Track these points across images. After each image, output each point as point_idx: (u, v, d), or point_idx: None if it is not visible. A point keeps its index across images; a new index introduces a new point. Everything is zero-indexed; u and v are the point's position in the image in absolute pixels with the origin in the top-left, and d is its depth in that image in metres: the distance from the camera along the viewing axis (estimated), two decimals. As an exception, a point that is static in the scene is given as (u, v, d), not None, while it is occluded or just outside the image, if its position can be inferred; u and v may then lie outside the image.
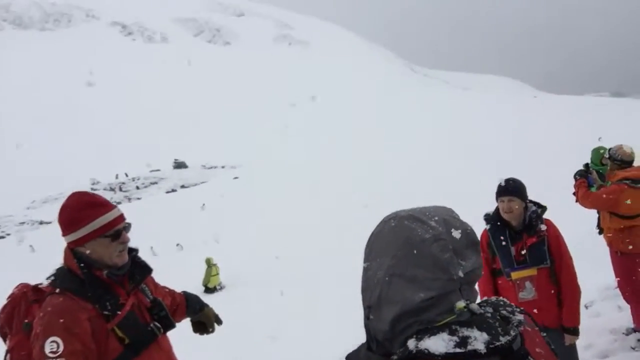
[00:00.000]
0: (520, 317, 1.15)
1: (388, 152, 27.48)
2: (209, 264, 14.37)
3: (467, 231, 1.18)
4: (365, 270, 1.20)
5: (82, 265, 2.03)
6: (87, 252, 2.05)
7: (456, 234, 1.14)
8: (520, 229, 3.50)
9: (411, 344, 1.07)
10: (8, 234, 24.70)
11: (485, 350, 1.03)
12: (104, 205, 2.11)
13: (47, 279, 2.05)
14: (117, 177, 32.67)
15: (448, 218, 1.17)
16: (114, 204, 2.23)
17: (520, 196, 3.48)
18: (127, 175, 32.85)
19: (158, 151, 37.07)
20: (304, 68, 68.63)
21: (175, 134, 42.40)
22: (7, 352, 2.07)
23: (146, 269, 2.23)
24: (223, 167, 33.05)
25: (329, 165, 26.26)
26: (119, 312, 2.02)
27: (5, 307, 2.10)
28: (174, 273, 13.22)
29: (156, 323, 2.14)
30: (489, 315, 1.11)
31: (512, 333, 1.08)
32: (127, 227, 2.15)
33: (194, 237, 18.38)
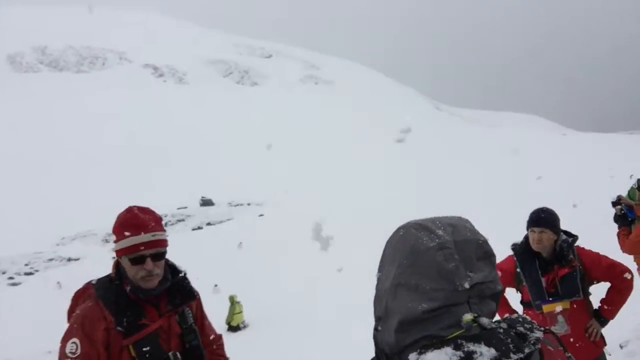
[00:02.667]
0: (539, 334, 1.07)
1: (418, 198, 27.29)
2: (233, 301, 14.29)
3: (480, 242, 1.13)
4: (378, 280, 1.17)
5: (117, 275, 2.09)
6: (123, 264, 2.10)
7: (466, 243, 1.10)
8: (550, 259, 3.39)
9: (412, 357, 1.02)
10: (37, 270, 25.06)
11: None
12: (139, 227, 2.12)
13: (92, 282, 2.14)
14: (145, 214, 33.09)
15: (459, 226, 1.13)
16: (160, 230, 2.22)
17: (552, 227, 3.36)
18: (154, 212, 33.27)
19: (186, 189, 37.54)
20: (329, 107, 69.38)
21: (203, 172, 42.96)
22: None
23: (189, 295, 2.22)
24: (249, 204, 33.23)
25: (353, 208, 26.19)
26: (138, 332, 2.01)
27: (72, 298, 2.18)
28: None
29: (177, 354, 2.09)
30: (502, 330, 1.05)
31: (527, 350, 1.02)
32: (159, 254, 2.13)
33: (219, 274, 18.35)
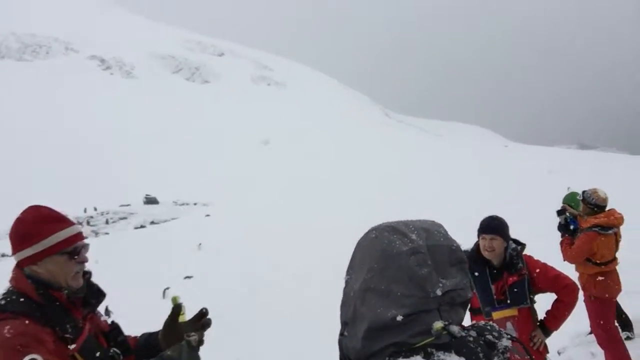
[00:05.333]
0: (507, 343, 1.03)
1: (357, 199, 27.56)
2: (175, 302, 13.96)
3: (453, 247, 1.07)
4: (346, 283, 1.10)
5: (37, 286, 1.86)
6: (40, 271, 1.88)
7: (439, 249, 1.04)
8: (500, 266, 3.42)
9: None
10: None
11: None
12: (63, 220, 1.96)
13: None
14: (85, 210, 31.93)
15: (432, 231, 1.07)
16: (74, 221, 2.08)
17: (502, 235, 3.41)
18: (96, 209, 32.15)
19: (129, 186, 36.50)
20: (280, 108, 69.22)
21: (148, 170, 41.91)
22: None
23: (100, 293, 2.09)
24: (195, 204, 32.62)
25: (297, 209, 26.19)
26: (78, 337, 1.87)
27: None
28: (141, 311, 12.80)
29: (115, 349, 2.00)
30: (471, 339, 1.00)
31: (495, 359, 0.98)
32: (86, 247, 2.01)
33: (163, 274, 17.93)
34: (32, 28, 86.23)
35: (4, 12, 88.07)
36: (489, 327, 1.07)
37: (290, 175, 37.27)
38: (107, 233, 26.86)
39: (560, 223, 5.20)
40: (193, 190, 35.70)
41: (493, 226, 3.41)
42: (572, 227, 5.12)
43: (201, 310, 2.15)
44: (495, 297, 3.39)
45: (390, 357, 0.98)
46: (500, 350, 1.01)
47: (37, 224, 1.92)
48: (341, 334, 1.08)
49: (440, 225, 1.12)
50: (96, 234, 27.23)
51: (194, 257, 20.35)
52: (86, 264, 2.07)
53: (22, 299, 1.84)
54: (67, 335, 1.83)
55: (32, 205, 2.04)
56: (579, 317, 5.36)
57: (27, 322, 1.77)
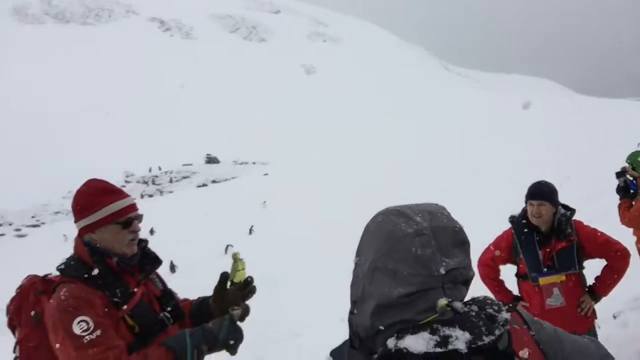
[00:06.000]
0: (507, 315, 1.11)
1: (414, 151, 27.23)
2: (235, 258, 14.45)
3: (455, 229, 1.15)
4: (355, 265, 1.19)
5: (92, 252, 2.03)
6: (97, 239, 2.04)
7: (442, 230, 1.12)
8: (548, 232, 3.40)
9: (391, 342, 1.05)
10: (43, 223, 25.42)
11: (466, 350, 1.01)
12: (118, 193, 2.12)
13: (57, 269, 2.06)
14: (150, 170, 33.24)
15: (436, 213, 1.15)
16: (128, 194, 2.24)
17: (550, 200, 3.37)
18: (160, 168, 33.39)
19: (191, 146, 37.57)
20: (335, 64, 68.48)
21: (209, 130, 42.88)
22: (17, 343, 2.09)
23: (156, 260, 2.23)
24: (254, 163, 33.29)
25: (357, 164, 26.18)
26: (129, 301, 2.02)
27: (13, 299, 2.13)
28: (204, 267, 13.41)
29: (166, 313, 2.14)
30: (473, 314, 1.08)
31: (497, 332, 1.05)
32: (139, 217, 2.15)
33: (226, 230, 18.46)
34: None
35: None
36: (489, 302, 1.14)
37: (347, 133, 37.20)
38: (171, 191, 27.96)
39: (619, 185, 5.02)
40: (252, 149, 36.34)
41: (541, 192, 3.37)
42: (631, 190, 4.94)
43: (247, 278, 2.27)
44: (542, 263, 3.39)
45: (400, 334, 1.07)
46: (501, 323, 1.08)
47: (94, 196, 2.08)
48: (351, 312, 1.18)
49: (443, 208, 1.19)
50: (161, 192, 28.42)
51: (257, 215, 20.76)
52: (140, 233, 2.21)
53: (79, 265, 2.03)
54: (116, 299, 1.99)
55: (91, 178, 2.21)
56: (635, 281, 5.26)
57: (81, 286, 1.96)
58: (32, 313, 2.07)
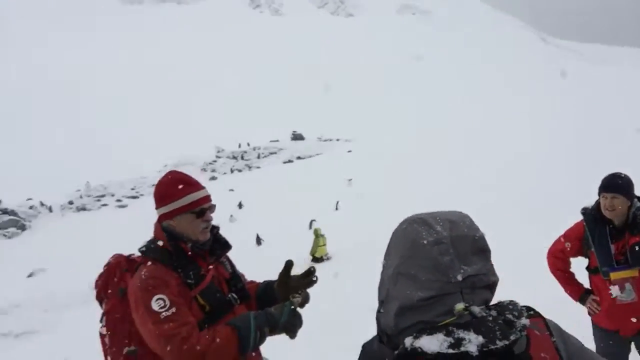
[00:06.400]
0: (525, 321, 1.16)
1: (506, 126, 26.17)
2: (317, 234, 14.80)
3: (475, 237, 1.22)
4: (383, 267, 1.31)
5: (170, 237, 2.28)
6: (175, 225, 2.29)
7: (462, 239, 1.20)
8: (622, 227, 3.28)
9: (408, 341, 1.16)
10: (142, 195, 27.16)
11: (477, 353, 1.08)
12: (194, 185, 2.35)
13: (139, 250, 2.33)
14: (239, 146, 34.44)
15: (457, 222, 1.23)
16: (203, 185, 2.46)
17: (625, 194, 3.22)
18: (249, 144, 34.50)
19: (278, 123, 38.42)
20: (424, 38, 66.83)
21: (296, 107, 43.57)
22: (103, 314, 2.40)
23: (226, 245, 2.44)
24: (338, 140, 33.54)
25: (445, 140, 25.65)
26: (201, 282, 2.25)
27: (102, 274, 2.43)
28: (288, 240, 13.87)
29: (233, 294, 2.35)
30: (491, 318, 1.15)
31: (512, 337, 1.12)
32: (212, 207, 2.36)
33: (310, 206, 18.85)
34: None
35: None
36: (510, 307, 1.20)
37: (432, 112, 36.44)
38: (258, 167, 28.85)
39: None
40: (335, 126, 36.58)
41: (614, 184, 3.20)
42: None
43: (309, 268, 2.41)
44: (614, 257, 3.27)
45: (417, 334, 1.18)
46: (519, 328, 1.15)
47: (174, 186, 2.32)
48: (378, 311, 1.30)
49: (466, 216, 1.27)
50: (249, 167, 29.41)
51: (343, 191, 20.93)
52: (212, 221, 2.42)
53: (158, 248, 2.28)
54: (189, 281, 2.23)
55: (172, 170, 2.46)
56: None
57: (159, 267, 2.21)
58: (119, 289, 2.36)
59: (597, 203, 3.37)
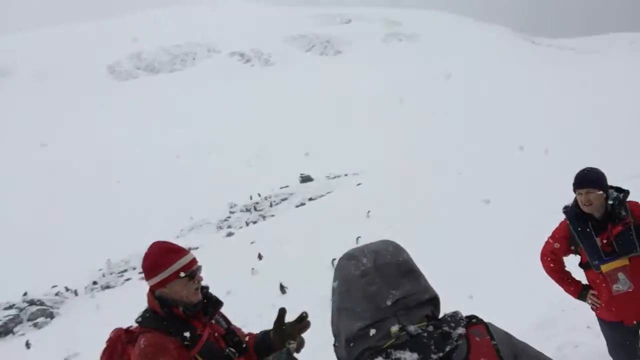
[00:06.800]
0: (462, 330, 1.24)
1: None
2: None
3: (399, 262, 1.31)
4: (331, 303, 1.40)
5: (162, 304, 2.39)
6: (168, 292, 2.39)
7: (387, 266, 1.28)
8: (603, 218, 3.32)
9: None
10: (164, 263, 27.38)
11: None
12: (181, 251, 2.47)
13: (135, 321, 2.44)
14: (251, 198, 34.74)
15: (381, 252, 1.32)
16: (187, 249, 2.57)
17: (599, 187, 3.30)
18: (260, 195, 34.79)
19: (285, 168, 38.81)
20: (413, 63, 67.68)
21: (300, 149, 44.05)
22: None
23: (218, 303, 2.55)
24: (346, 175, 33.72)
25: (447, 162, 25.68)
26: (198, 342, 2.35)
27: (105, 350, 2.53)
28: (312, 284, 13.88)
29: (231, 349, 2.44)
30: (426, 334, 1.22)
31: (448, 348, 1.19)
32: (199, 268, 2.48)
33: (330, 246, 18.81)
34: (176, 40, 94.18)
35: (153, 32, 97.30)
36: (449, 319, 1.28)
37: (433, 133, 36.62)
38: (272, 215, 29.00)
39: None
40: (341, 162, 36.84)
41: (587, 180, 3.28)
42: None
43: (302, 314, 2.50)
44: (602, 249, 3.31)
45: (365, 359, 1.26)
46: (454, 338, 1.22)
47: (161, 256, 2.44)
48: (334, 345, 1.39)
49: (390, 244, 1.36)
50: (263, 217, 29.58)
51: (362, 225, 20.89)
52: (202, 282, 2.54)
53: (153, 316, 2.39)
54: (187, 342, 2.32)
55: (155, 241, 2.58)
56: None
57: (156, 334, 2.32)
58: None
59: (575, 200, 3.43)
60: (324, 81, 67.37)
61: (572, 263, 3.66)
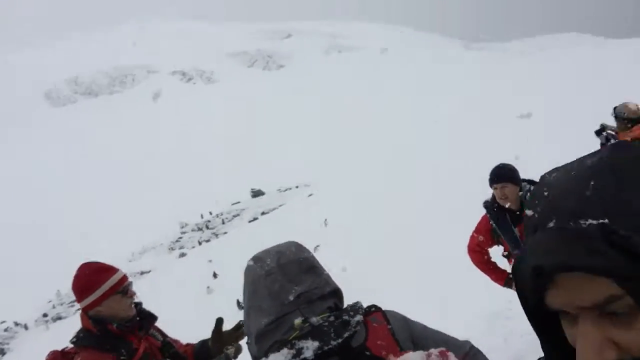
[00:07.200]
0: (359, 317, 1.42)
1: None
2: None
3: (301, 259, 1.50)
4: (244, 307, 1.59)
5: (95, 323, 2.49)
6: (103, 310, 2.50)
7: (289, 264, 1.48)
8: (519, 210, 3.56)
9: None
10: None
11: (313, 356, 1.35)
12: (111, 269, 2.58)
13: (70, 341, 2.53)
14: (202, 216, 34.33)
15: (284, 252, 1.51)
16: (118, 268, 2.69)
17: (512, 181, 3.55)
18: (211, 213, 34.43)
19: (235, 184, 38.58)
20: (351, 72, 68.77)
21: (248, 163, 43.89)
22: None
23: (152, 317, 2.68)
24: (297, 187, 33.86)
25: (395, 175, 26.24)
26: (134, 356, 2.46)
27: None
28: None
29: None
30: (327, 323, 1.40)
31: (346, 334, 1.38)
32: (131, 284, 2.61)
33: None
34: (114, 61, 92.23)
35: (90, 54, 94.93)
36: (349, 308, 1.47)
37: (393, 144, 37.30)
38: (225, 232, 28.76)
39: (601, 143, 5.12)
40: (292, 175, 36.99)
41: (500, 175, 3.52)
42: None
43: (239, 322, 2.66)
44: (520, 239, 3.56)
45: (266, 353, 1.43)
46: (353, 325, 1.42)
47: (93, 275, 2.55)
48: (247, 343, 1.57)
49: (292, 244, 1.55)
50: (216, 235, 29.29)
51: (319, 234, 20.98)
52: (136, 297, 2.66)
53: (87, 335, 2.49)
54: (123, 357, 2.44)
55: (83, 263, 2.68)
56: None
57: (92, 352, 2.42)
58: None
59: (493, 195, 3.71)
60: (268, 95, 67.50)
61: (497, 253, 3.95)
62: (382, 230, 17.16)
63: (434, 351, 1.26)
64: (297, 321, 1.41)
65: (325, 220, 21.63)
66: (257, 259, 1.55)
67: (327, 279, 1.53)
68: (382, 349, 1.40)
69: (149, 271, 24.69)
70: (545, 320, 0.72)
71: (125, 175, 48.50)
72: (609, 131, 5.24)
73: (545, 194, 0.69)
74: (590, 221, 0.58)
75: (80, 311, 2.54)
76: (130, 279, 2.59)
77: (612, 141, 5.19)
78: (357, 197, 23.50)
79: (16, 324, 25.16)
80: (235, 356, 2.55)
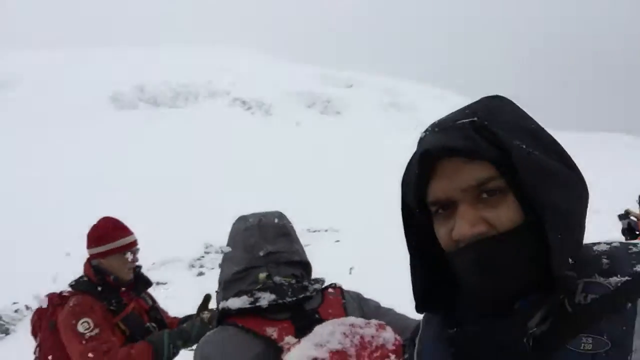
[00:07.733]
0: (317, 286, 1.52)
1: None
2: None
3: (279, 225, 1.60)
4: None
5: (96, 272, 2.62)
6: (105, 263, 2.62)
7: (268, 226, 1.56)
8: None
9: (222, 304, 1.51)
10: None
11: (267, 305, 1.43)
12: (126, 229, 2.72)
13: (69, 285, 2.66)
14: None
15: (268, 215, 1.62)
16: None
17: None
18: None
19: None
20: (407, 132, 69.21)
21: (284, 198, 44.25)
22: (37, 346, 2.69)
23: (147, 282, 2.78)
24: (326, 230, 33.84)
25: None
26: (123, 310, 2.56)
27: (36, 311, 2.74)
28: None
29: (153, 324, 2.66)
30: (287, 284, 1.50)
31: (301, 296, 1.46)
32: (137, 250, 2.73)
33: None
34: (184, 78, 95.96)
35: (160, 66, 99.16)
36: (312, 280, 1.56)
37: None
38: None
39: (623, 228, 5.09)
40: (323, 217, 37.04)
41: None
42: (637, 232, 4.98)
43: (206, 295, 2.72)
44: None
45: (228, 299, 1.51)
46: (310, 291, 1.50)
47: (108, 229, 2.70)
48: (216, 291, 1.66)
49: (278, 213, 1.66)
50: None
51: (344, 281, 20.90)
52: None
53: (86, 282, 2.62)
54: (112, 308, 2.54)
55: (106, 216, 2.83)
56: None
57: (86, 297, 2.54)
58: (50, 322, 2.66)
59: None
60: (320, 137, 68.55)
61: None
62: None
63: (374, 321, 1.37)
64: (262, 275, 1.55)
65: (351, 268, 21.54)
66: (242, 217, 1.68)
67: (299, 250, 1.67)
68: (331, 317, 1.51)
69: (165, 283, 24.93)
70: (418, 230, 0.92)
71: (163, 185, 49.65)
72: (632, 217, 5.22)
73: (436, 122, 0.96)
74: (463, 120, 0.81)
75: (86, 259, 2.69)
76: (139, 247, 2.73)
77: (633, 226, 5.19)
78: (386, 247, 23.34)
79: (27, 307, 25.66)
80: (210, 322, 2.62)
